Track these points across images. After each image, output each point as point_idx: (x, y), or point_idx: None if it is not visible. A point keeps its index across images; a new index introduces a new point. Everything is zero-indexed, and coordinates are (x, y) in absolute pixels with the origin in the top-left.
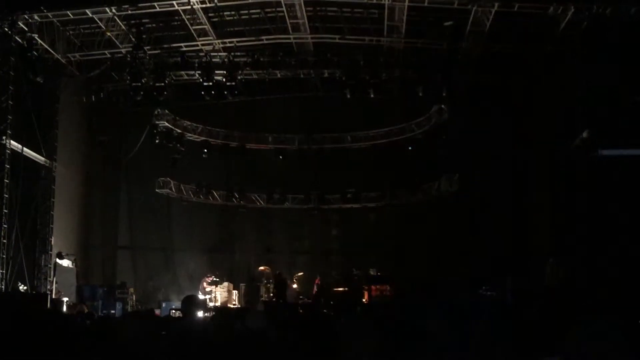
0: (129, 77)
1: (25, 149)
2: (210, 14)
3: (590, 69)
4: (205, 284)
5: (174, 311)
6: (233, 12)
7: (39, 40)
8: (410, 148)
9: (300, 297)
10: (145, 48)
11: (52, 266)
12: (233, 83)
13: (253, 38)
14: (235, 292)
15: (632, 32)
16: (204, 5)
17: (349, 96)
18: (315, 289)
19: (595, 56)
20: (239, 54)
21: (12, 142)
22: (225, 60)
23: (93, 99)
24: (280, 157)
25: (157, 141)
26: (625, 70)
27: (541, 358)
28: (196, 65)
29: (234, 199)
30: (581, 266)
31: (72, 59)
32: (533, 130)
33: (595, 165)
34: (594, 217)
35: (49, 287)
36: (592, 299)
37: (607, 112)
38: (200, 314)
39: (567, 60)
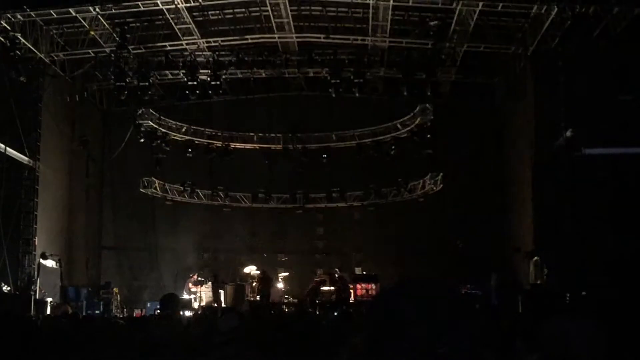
0: (112, 77)
1: (8, 148)
2: (194, 13)
3: (574, 67)
4: (190, 284)
5: (158, 311)
6: (217, 12)
7: (22, 40)
8: (394, 147)
9: (286, 296)
10: (129, 47)
11: (35, 266)
12: (217, 82)
13: (237, 37)
14: (220, 292)
15: (615, 31)
16: (188, 5)
17: (333, 95)
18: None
19: (578, 55)
20: (223, 53)
21: None
22: (210, 59)
23: (77, 99)
24: (265, 156)
25: (141, 141)
26: (609, 68)
27: (522, 356)
28: (180, 64)
29: (218, 199)
30: (565, 265)
31: (56, 58)
32: (517, 129)
33: (579, 164)
34: (578, 216)
35: (32, 287)
36: (576, 297)
37: (590, 111)
38: (181, 313)
39: (551, 59)
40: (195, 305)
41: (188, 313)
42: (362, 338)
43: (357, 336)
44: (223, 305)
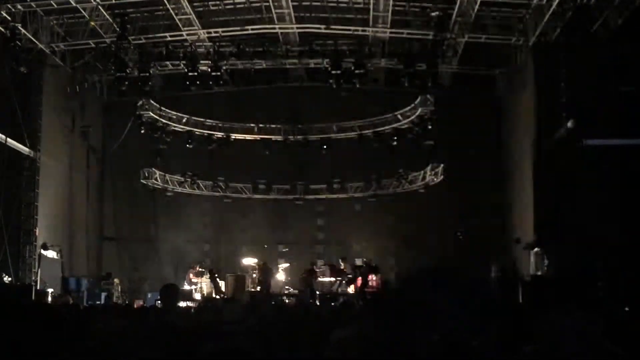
0: (113, 67)
1: (8, 139)
2: (194, 4)
3: (575, 59)
4: (191, 275)
5: (159, 302)
6: (218, 2)
7: (23, 30)
8: (395, 138)
9: (286, 287)
10: (130, 38)
11: (36, 257)
12: (218, 73)
13: (238, 28)
14: (221, 282)
15: (616, 23)
16: None
17: (334, 86)
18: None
19: (580, 46)
20: (224, 43)
21: None
22: (210, 50)
23: (77, 89)
24: (266, 147)
25: (141, 132)
26: (610, 60)
27: (522, 347)
28: (181, 55)
29: (219, 190)
30: (566, 256)
31: (56, 48)
32: (518, 120)
33: (580, 155)
34: (578, 207)
35: (33, 278)
36: (577, 288)
37: (591, 103)
38: (182, 304)
39: (552, 51)
40: (196, 296)
41: (189, 304)
42: (352, 330)
43: (343, 329)
44: (223, 296)
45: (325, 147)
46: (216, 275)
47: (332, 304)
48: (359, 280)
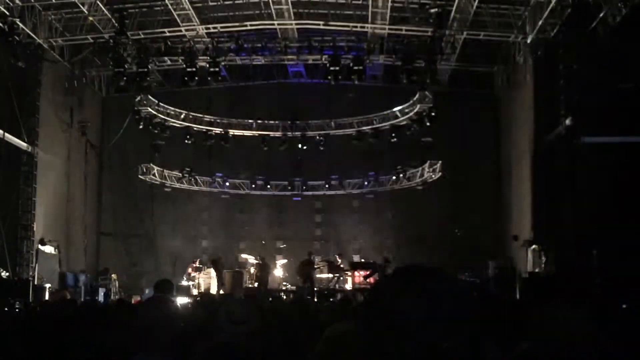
0: (111, 63)
1: (6, 134)
2: None
3: (573, 56)
4: (190, 270)
5: None
6: None
7: (21, 25)
8: (393, 135)
9: (284, 283)
10: (128, 33)
11: (34, 252)
12: (216, 69)
13: (237, 24)
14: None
15: (615, 20)
16: None
17: (332, 82)
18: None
19: (578, 43)
20: (222, 39)
21: None
22: (209, 46)
23: (75, 85)
24: (264, 143)
25: (140, 127)
26: (609, 57)
27: (517, 344)
28: (179, 51)
29: (217, 185)
30: (564, 253)
31: (54, 43)
32: (516, 117)
33: (578, 152)
34: (576, 204)
35: (31, 273)
36: (574, 285)
37: (590, 100)
38: (178, 300)
39: (550, 48)
40: (194, 291)
41: (186, 299)
42: (349, 326)
43: (340, 324)
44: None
45: (323, 143)
46: (219, 265)
47: (331, 299)
48: (355, 277)
